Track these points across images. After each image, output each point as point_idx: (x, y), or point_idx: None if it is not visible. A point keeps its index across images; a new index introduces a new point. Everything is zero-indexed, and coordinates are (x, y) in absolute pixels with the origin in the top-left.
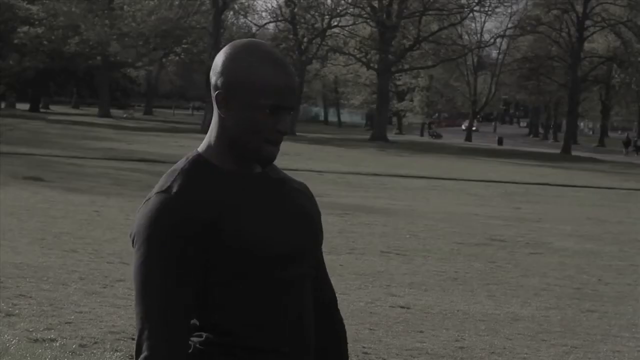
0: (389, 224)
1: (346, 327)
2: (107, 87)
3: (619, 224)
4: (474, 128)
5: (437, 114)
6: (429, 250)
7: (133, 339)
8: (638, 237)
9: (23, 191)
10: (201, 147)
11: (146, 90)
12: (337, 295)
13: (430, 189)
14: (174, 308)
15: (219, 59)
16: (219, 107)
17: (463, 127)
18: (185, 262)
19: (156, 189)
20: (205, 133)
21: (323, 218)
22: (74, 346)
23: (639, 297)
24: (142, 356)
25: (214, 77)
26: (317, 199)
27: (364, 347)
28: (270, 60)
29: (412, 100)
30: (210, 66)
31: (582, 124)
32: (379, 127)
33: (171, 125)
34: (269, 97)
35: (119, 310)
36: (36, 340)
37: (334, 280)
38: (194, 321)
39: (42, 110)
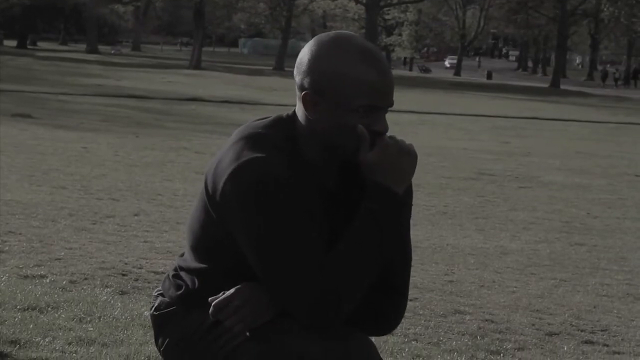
0: None
1: None
2: (94, 23)
3: (607, 158)
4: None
5: (425, 48)
6: (417, 184)
7: (123, 275)
8: (627, 171)
9: (11, 128)
10: (286, 114)
11: (134, 26)
12: None
13: (419, 123)
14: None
15: (305, 56)
16: (305, 109)
17: (447, 63)
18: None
19: (245, 154)
20: (193, 69)
21: None
22: (64, 282)
23: (627, 231)
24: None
25: (298, 76)
26: None
27: None
28: (362, 56)
29: (400, 35)
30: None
31: (577, 58)
32: None
33: (159, 61)
34: (362, 97)
35: (108, 247)
36: (26, 277)
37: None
38: (202, 265)
39: (29, 47)
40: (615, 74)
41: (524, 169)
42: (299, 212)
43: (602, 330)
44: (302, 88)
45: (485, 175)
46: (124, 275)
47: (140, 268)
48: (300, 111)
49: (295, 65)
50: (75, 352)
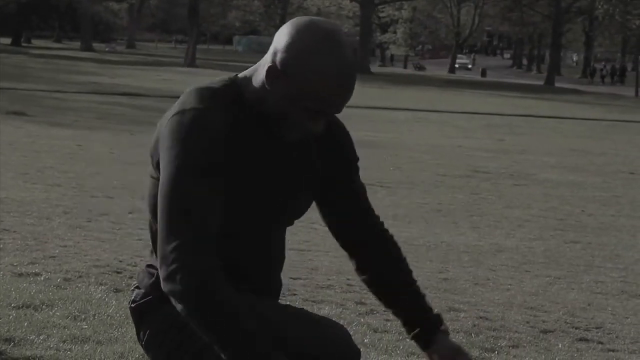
0: (372, 157)
1: (329, 260)
2: (89, 20)
3: (602, 155)
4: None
5: (420, 46)
6: (412, 182)
7: (117, 272)
8: (621, 168)
9: (6, 126)
10: (242, 74)
11: (128, 24)
12: (320, 225)
13: (414, 121)
14: (211, 218)
15: (287, 36)
16: (265, 79)
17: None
18: (217, 175)
19: (189, 104)
20: (188, 66)
21: None
22: (58, 280)
23: (621, 228)
24: (176, 267)
25: (274, 46)
26: None
27: (348, 279)
28: (339, 70)
29: (395, 32)
30: None
31: (574, 56)
32: (362, 60)
33: (154, 58)
34: (317, 103)
35: (103, 244)
36: (21, 275)
37: (318, 213)
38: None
39: (24, 44)
40: (602, 70)
41: (518, 166)
42: (213, 171)
43: (596, 328)
44: (272, 59)
45: (480, 172)
46: (118, 272)
47: (134, 266)
48: (259, 76)
49: (277, 33)
50: (70, 349)
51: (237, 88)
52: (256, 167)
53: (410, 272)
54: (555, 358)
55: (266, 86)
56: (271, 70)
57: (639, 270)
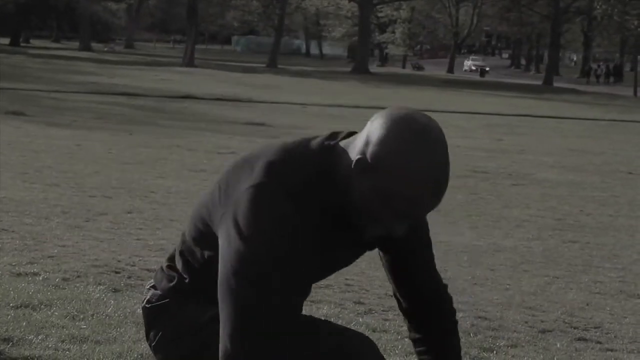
0: None
1: None
2: (88, 20)
3: (601, 155)
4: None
5: (419, 46)
6: None
7: (116, 272)
8: (620, 168)
9: (5, 126)
10: (344, 143)
11: (127, 24)
12: None
13: None
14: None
15: (382, 128)
16: (354, 168)
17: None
18: (286, 265)
19: (272, 178)
20: (186, 66)
21: None
22: (57, 280)
23: (620, 228)
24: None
25: (366, 135)
26: (300, 131)
27: (346, 280)
28: (433, 170)
29: (393, 32)
30: None
31: (573, 56)
32: (361, 60)
33: (152, 58)
34: (405, 206)
35: (101, 244)
36: (19, 275)
37: None
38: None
39: (22, 44)
40: (597, 70)
41: (517, 166)
42: (282, 260)
43: (595, 328)
44: (362, 150)
45: (479, 172)
46: (117, 272)
47: (133, 265)
48: (351, 154)
49: (372, 122)
50: (68, 349)
51: (331, 163)
52: (322, 250)
53: (459, 349)
54: (553, 357)
55: (353, 176)
56: (361, 163)
57: (638, 270)
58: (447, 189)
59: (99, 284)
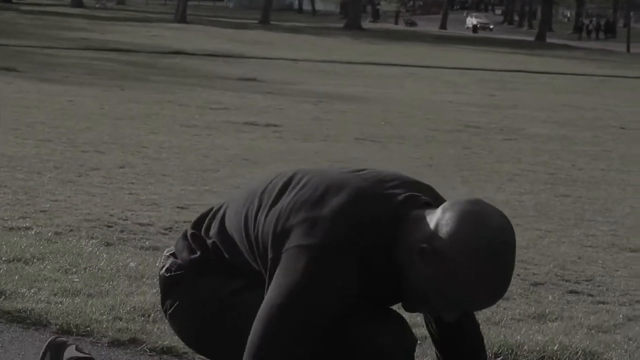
0: (363, 112)
1: None
2: None
3: (592, 110)
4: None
5: (411, 2)
6: (403, 137)
7: (109, 226)
8: (612, 123)
9: None
10: (415, 214)
11: None
12: None
13: (405, 76)
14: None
15: (455, 222)
16: (416, 255)
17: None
18: (327, 326)
19: (340, 239)
20: (178, 22)
21: (296, 106)
22: (49, 234)
23: (612, 182)
24: None
25: (437, 222)
26: (291, 87)
27: None
28: (498, 280)
29: None
30: None
31: (566, 12)
32: (353, 16)
33: (144, 14)
34: (463, 304)
35: (94, 199)
36: (11, 229)
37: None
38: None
39: (14, 1)
40: (589, 26)
41: (509, 121)
42: (324, 320)
43: (586, 281)
44: (429, 239)
45: (471, 127)
46: (109, 226)
47: (125, 220)
48: (418, 232)
49: (444, 208)
50: (61, 302)
51: (391, 231)
52: (363, 301)
53: None
54: (545, 310)
55: (415, 259)
56: (426, 253)
57: (629, 224)
58: (440, 144)
59: (92, 238)
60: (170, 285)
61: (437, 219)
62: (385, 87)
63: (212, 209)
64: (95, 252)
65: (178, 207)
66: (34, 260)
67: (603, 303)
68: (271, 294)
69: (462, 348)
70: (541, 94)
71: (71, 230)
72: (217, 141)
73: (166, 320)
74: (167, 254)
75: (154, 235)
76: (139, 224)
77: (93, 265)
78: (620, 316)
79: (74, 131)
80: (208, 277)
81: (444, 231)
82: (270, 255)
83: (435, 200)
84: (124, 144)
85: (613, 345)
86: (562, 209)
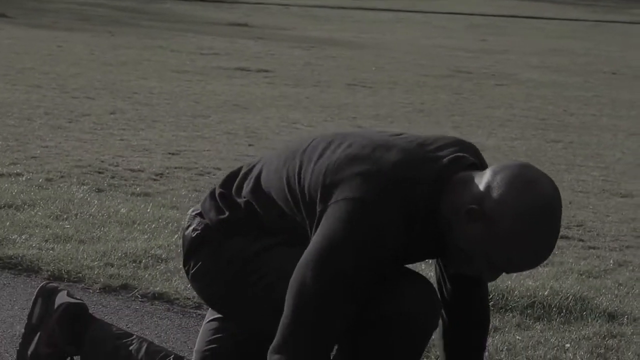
0: (354, 57)
1: None
2: None
3: (584, 56)
4: None
5: None
6: (394, 82)
7: (99, 172)
8: (603, 69)
9: None
10: (459, 177)
11: None
12: (302, 125)
13: (396, 21)
14: (332, 327)
15: (507, 186)
16: (465, 216)
17: None
18: (365, 284)
19: (380, 197)
20: None
21: (288, 51)
22: (40, 180)
23: (603, 128)
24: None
25: (487, 183)
26: (282, 32)
27: None
28: (546, 244)
29: None
30: None
31: None
32: None
33: None
34: (508, 267)
35: (85, 145)
36: (2, 175)
37: (301, 113)
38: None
39: None
40: None
41: (500, 66)
42: (361, 284)
43: (577, 226)
44: (479, 200)
45: (462, 73)
46: (100, 173)
47: (116, 166)
48: (465, 194)
49: (494, 170)
50: (52, 249)
51: (438, 191)
52: (402, 263)
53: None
54: None
55: (462, 219)
56: (475, 214)
57: (620, 169)
58: (431, 89)
59: (83, 184)
60: (196, 246)
61: (487, 181)
62: (377, 33)
63: (241, 168)
64: (87, 198)
65: (169, 153)
66: (25, 206)
67: (594, 248)
68: (318, 243)
69: (469, 312)
70: (533, 39)
71: (62, 177)
72: (208, 87)
73: (188, 281)
74: (193, 213)
75: (145, 181)
76: (130, 170)
77: (84, 211)
78: (611, 261)
79: (64, 77)
80: (235, 238)
81: (494, 194)
82: (319, 208)
83: (478, 160)
84: (115, 90)
85: (603, 290)
86: (553, 155)
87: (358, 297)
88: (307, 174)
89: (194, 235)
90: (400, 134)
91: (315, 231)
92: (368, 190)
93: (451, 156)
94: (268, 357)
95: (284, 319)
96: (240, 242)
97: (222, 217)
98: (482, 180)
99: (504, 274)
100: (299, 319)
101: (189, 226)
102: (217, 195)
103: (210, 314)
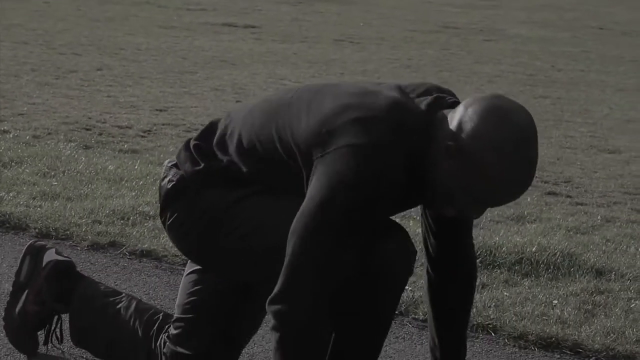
0: (342, 13)
1: None
2: None
3: (572, 11)
4: None
5: None
6: (382, 38)
7: (87, 129)
8: (591, 24)
9: None
10: (447, 112)
11: None
12: (290, 81)
13: None
14: (334, 274)
15: (480, 120)
16: (442, 154)
17: None
18: (359, 228)
19: (379, 144)
20: None
21: (275, 7)
22: (27, 137)
23: (591, 83)
24: (278, 308)
25: (460, 119)
26: None
27: None
28: (524, 174)
29: None
30: None
31: None
32: None
33: None
34: (489, 200)
35: (72, 101)
36: None
37: (288, 69)
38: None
39: None
40: None
41: (488, 21)
42: (359, 226)
43: (565, 182)
44: (454, 136)
45: (450, 28)
46: (87, 129)
47: (104, 122)
48: (450, 122)
49: (467, 105)
50: (40, 206)
51: (427, 133)
52: (394, 209)
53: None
54: (524, 211)
55: (442, 157)
56: (452, 150)
57: (608, 125)
58: (419, 44)
59: (70, 141)
60: (172, 197)
61: (460, 116)
62: None
63: (213, 124)
64: (74, 155)
65: (157, 110)
66: (12, 163)
67: (581, 204)
68: (319, 189)
69: (455, 268)
70: None
71: (49, 134)
72: (195, 43)
73: (165, 232)
74: (169, 164)
75: (132, 138)
76: (118, 126)
77: (72, 168)
78: (598, 217)
79: (51, 33)
80: (210, 189)
81: (467, 127)
82: (315, 157)
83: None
84: (102, 46)
85: (591, 247)
86: (541, 110)
87: (358, 243)
88: (301, 124)
89: (169, 187)
90: (380, 83)
91: (311, 180)
92: (368, 136)
93: (432, 96)
94: (267, 308)
95: (285, 269)
96: (215, 194)
97: (197, 168)
98: (456, 115)
99: (489, 207)
100: (302, 267)
101: (164, 177)
102: (192, 146)
103: (190, 266)
